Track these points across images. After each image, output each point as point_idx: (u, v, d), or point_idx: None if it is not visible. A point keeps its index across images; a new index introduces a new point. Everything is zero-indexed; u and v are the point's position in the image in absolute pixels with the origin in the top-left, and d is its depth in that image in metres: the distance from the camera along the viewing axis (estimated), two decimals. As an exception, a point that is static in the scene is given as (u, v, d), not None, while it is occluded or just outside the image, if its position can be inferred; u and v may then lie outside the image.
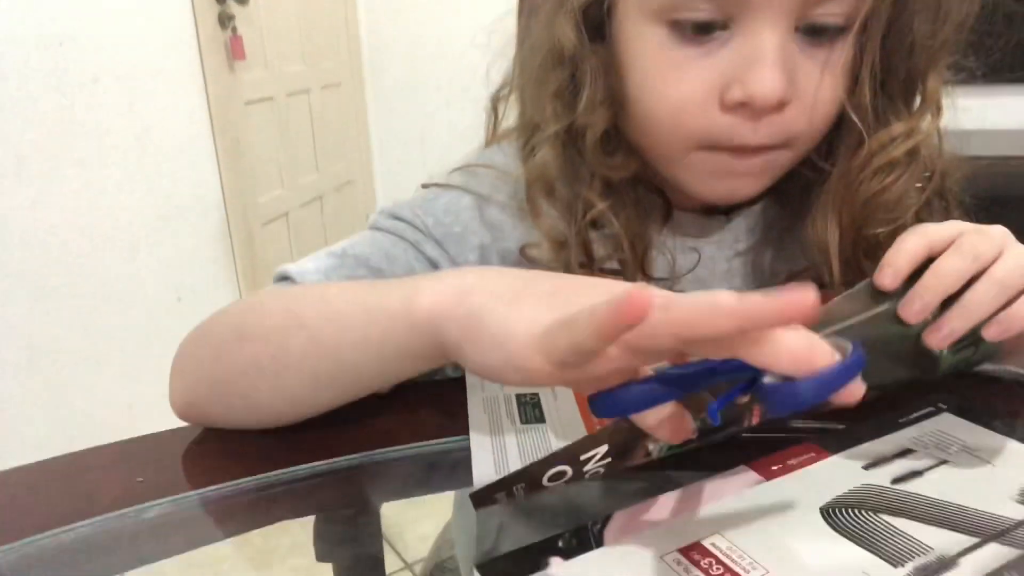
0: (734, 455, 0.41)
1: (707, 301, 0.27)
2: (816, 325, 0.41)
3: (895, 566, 0.31)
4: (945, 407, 0.45)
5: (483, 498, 0.37)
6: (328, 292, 0.45)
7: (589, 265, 0.55)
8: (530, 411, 0.46)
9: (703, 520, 0.35)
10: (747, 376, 0.30)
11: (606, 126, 0.52)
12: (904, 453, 0.41)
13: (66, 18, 1.55)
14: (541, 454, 0.41)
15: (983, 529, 0.34)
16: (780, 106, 0.47)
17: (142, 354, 1.77)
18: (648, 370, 0.33)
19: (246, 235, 2.08)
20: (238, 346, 0.46)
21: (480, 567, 0.33)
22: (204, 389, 0.48)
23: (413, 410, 0.51)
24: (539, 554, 0.33)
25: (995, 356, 0.47)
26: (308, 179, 2.44)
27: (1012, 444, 0.41)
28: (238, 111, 2.06)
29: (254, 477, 0.43)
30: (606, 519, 0.36)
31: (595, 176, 0.54)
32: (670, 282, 0.57)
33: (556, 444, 0.42)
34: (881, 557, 0.32)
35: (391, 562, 0.47)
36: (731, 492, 0.38)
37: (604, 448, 0.38)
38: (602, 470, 0.38)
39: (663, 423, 0.33)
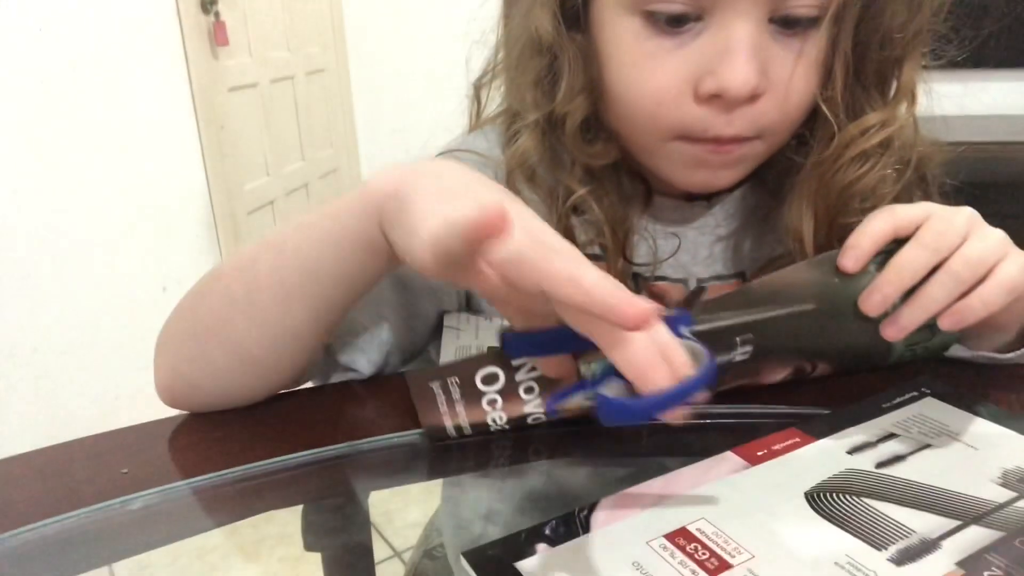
0: (719, 440, 0.41)
1: (574, 268, 0.29)
2: (773, 292, 0.42)
3: (878, 549, 0.32)
4: (928, 392, 0.45)
5: (434, 430, 0.39)
6: (297, 217, 0.46)
7: None
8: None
9: (689, 505, 0.36)
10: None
11: (585, 114, 0.52)
12: (888, 437, 0.41)
13: (46, 2, 1.52)
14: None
15: (965, 512, 0.34)
16: (753, 98, 0.47)
17: (127, 345, 1.76)
18: None
19: (231, 224, 2.07)
20: (212, 286, 0.47)
21: (467, 555, 0.33)
22: (185, 348, 0.48)
23: (399, 399, 0.51)
24: (526, 541, 0.33)
25: (952, 342, 0.48)
26: (293, 167, 2.42)
27: (994, 428, 0.42)
28: (222, 98, 2.04)
29: (240, 468, 0.43)
30: (592, 505, 0.36)
31: (576, 163, 0.54)
32: (652, 267, 0.57)
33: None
34: (865, 541, 0.32)
35: (380, 550, 0.47)
36: (716, 477, 0.38)
37: (537, 371, 0.38)
38: (536, 386, 0.39)
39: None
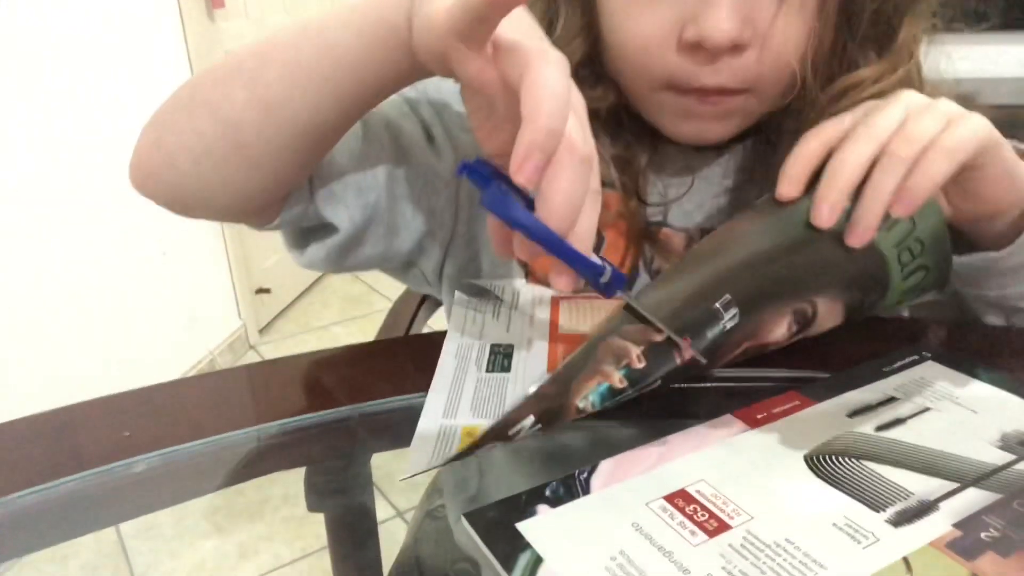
0: (720, 404, 0.41)
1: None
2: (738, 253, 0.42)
3: (876, 511, 0.32)
4: (929, 355, 0.45)
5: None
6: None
7: None
8: (499, 360, 0.47)
9: (688, 467, 0.36)
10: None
11: (581, 57, 0.52)
12: (888, 401, 0.41)
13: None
14: (494, 404, 0.42)
15: (964, 474, 0.34)
16: (737, 49, 0.46)
17: (127, 308, 1.77)
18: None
19: (231, 188, 2.06)
20: (224, 61, 0.46)
21: (468, 515, 0.33)
22: (174, 119, 0.46)
23: (401, 363, 0.51)
24: (526, 502, 0.34)
25: (940, 227, 0.44)
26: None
27: (994, 391, 0.42)
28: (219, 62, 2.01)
29: (243, 430, 0.44)
30: (593, 468, 0.36)
31: None
32: (663, 208, 0.56)
33: (512, 395, 0.43)
34: (863, 502, 0.33)
35: (382, 511, 0.47)
36: (716, 440, 0.38)
37: (531, 419, 0.38)
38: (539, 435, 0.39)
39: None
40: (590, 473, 0.36)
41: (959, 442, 0.37)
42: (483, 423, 0.40)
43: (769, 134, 0.55)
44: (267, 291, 2.37)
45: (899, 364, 0.45)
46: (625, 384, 0.39)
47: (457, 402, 0.42)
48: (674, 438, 0.39)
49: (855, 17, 0.49)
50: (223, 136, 0.44)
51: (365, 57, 0.41)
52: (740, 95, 0.49)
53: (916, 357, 0.45)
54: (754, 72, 0.48)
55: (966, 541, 0.30)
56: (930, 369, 0.44)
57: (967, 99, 0.52)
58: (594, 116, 0.54)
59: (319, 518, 0.51)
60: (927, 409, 0.40)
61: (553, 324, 0.51)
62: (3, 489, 0.39)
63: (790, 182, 0.42)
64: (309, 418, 0.45)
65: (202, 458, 0.43)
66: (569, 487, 0.35)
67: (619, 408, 0.40)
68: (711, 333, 0.40)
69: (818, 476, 0.35)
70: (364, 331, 2.39)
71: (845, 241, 0.41)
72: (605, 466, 0.36)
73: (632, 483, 0.35)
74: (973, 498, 0.33)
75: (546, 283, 0.49)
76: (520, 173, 0.32)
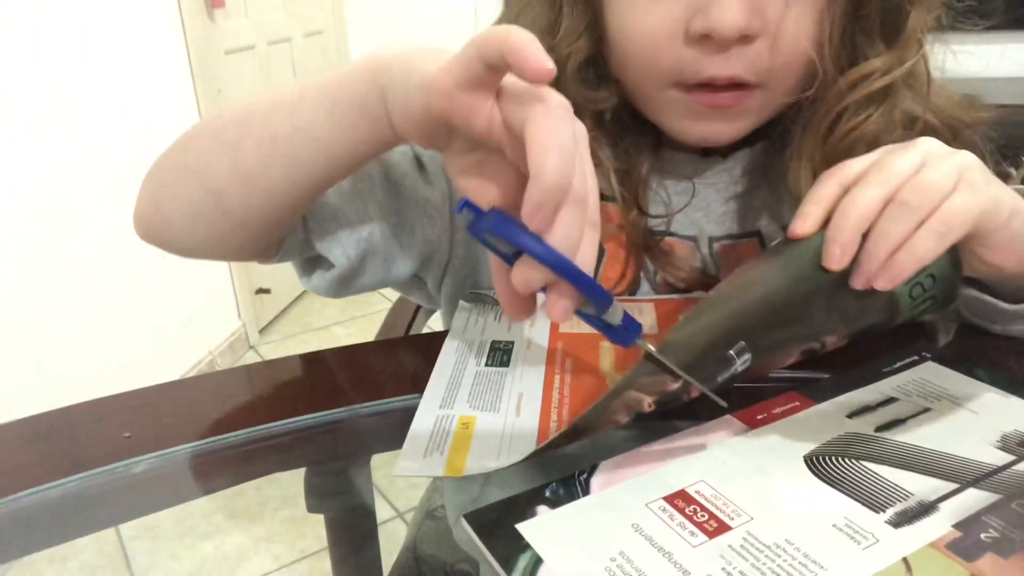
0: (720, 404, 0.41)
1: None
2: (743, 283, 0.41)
3: (876, 511, 0.32)
4: (929, 356, 0.45)
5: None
6: (303, 79, 0.46)
7: None
8: (499, 356, 0.47)
9: (688, 468, 0.36)
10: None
11: (585, 56, 0.52)
12: (888, 401, 0.41)
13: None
14: (490, 399, 0.42)
15: (963, 475, 0.34)
16: (746, 39, 0.46)
17: (126, 307, 1.77)
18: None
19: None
20: (208, 124, 0.47)
21: (468, 516, 0.33)
22: (167, 179, 0.48)
23: (401, 363, 0.51)
24: (526, 503, 0.34)
25: (951, 273, 0.44)
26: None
27: (993, 392, 0.42)
28: (219, 61, 2.01)
29: (243, 431, 0.44)
30: (592, 468, 0.36)
31: (582, 110, 0.53)
32: (666, 219, 0.56)
33: (509, 390, 0.43)
34: (863, 503, 0.33)
35: (383, 512, 0.47)
36: (716, 441, 0.38)
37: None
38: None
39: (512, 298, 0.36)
40: (590, 474, 0.36)
41: (959, 443, 0.37)
42: (479, 414, 0.40)
43: (775, 139, 0.55)
44: (267, 291, 2.37)
45: (899, 364, 0.45)
46: (628, 420, 0.38)
47: (455, 393, 0.43)
48: (674, 439, 0.39)
49: (864, 6, 0.49)
50: (210, 203, 0.46)
51: (336, 135, 0.42)
52: (751, 92, 0.49)
53: (916, 357, 0.45)
54: (766, 63, 0.48)
55: (966, 542, 0.30)
56: (930, 370, 0.44)
57: (972, 99, 0.52)
58: (597, 121, 0.54)
59: (319, 519, 0.51)
60: (927, 410, 0.40)
61: (554, 324, 0.51)
62: (3, 490, 0.39)
63: (804, 220, 0.41)
64: (309, 418, 0.45)
65: (202, 458, 0.43)
66: (569, 488, 0.35)
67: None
68: (722, 378, 0.39)
69: (818, 477, 0.35)
70: (364, 331, 2.39)
71: (850, 283, 0.40)
72: (605, 467, 0.36)
73: (632, 484, 0.35)
74: (973, 499, 0.33)
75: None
76: (530, 226, 0.31)
